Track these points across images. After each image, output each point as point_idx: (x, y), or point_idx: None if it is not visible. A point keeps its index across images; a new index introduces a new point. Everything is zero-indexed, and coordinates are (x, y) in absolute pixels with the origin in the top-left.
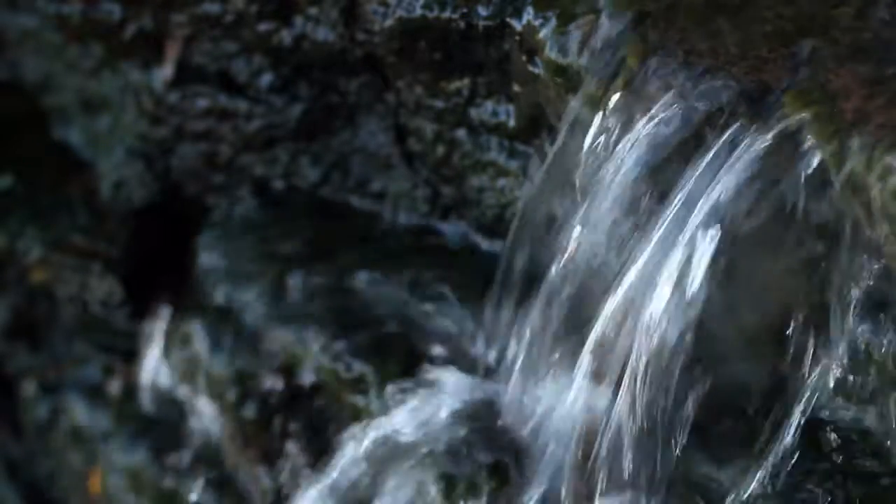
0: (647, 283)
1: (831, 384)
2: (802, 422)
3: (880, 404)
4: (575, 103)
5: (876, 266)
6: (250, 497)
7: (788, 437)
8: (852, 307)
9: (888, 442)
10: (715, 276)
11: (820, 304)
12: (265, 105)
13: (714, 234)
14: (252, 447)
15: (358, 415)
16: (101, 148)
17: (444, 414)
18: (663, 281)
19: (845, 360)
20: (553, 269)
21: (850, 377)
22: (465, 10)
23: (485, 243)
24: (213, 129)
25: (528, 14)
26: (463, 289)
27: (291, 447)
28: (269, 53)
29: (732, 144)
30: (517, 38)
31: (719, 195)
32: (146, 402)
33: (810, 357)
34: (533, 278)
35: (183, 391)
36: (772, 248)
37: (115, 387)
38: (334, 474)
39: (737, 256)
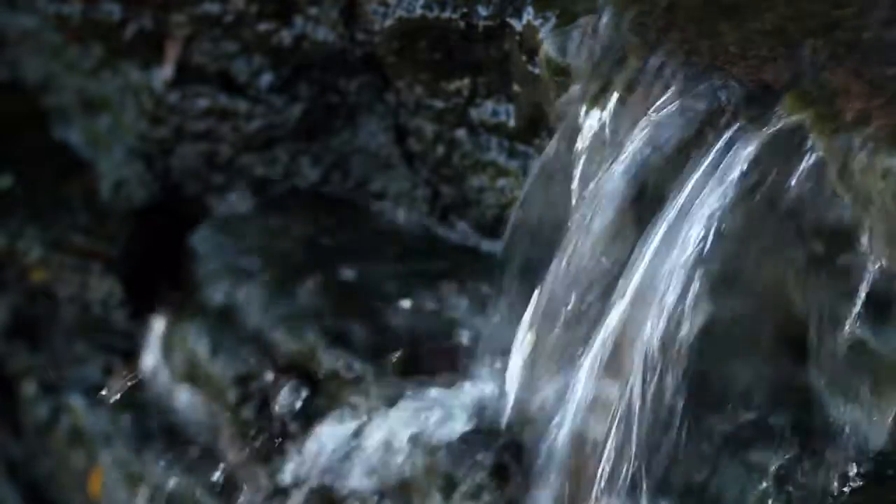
0: (649, 284)
1: (833, 383)
2: (804, 423)
3: (879, 402)
4: (575, 103)
5: (877, 266)
6: (250, 497)
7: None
8: (854, 307)
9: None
10: (715, 276)
11: (822, 304)
12: (265, 105)
13: (714, 233)
14: (252, 448)
15: (359, 415)
16: (101, 148)
17: (445, 414)
18: (664, 282)
19: (847, 360)
20: (555, 270)
21: (851, 376)
22: (465, 10)
23: (485, 243)
24: (213, 129)
25: (528, 14)
26: (464, 289)
27: (292, 448)
28: (269, 53)
29: (732, 144)
30: (517, 38)
31: (719, 195)
32: (146, 401)
33: (812, 357)
34: (535, 278)
35: (183, 391)
36: (772, 247)
37: (114, 387)
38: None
39: (737, 256)
